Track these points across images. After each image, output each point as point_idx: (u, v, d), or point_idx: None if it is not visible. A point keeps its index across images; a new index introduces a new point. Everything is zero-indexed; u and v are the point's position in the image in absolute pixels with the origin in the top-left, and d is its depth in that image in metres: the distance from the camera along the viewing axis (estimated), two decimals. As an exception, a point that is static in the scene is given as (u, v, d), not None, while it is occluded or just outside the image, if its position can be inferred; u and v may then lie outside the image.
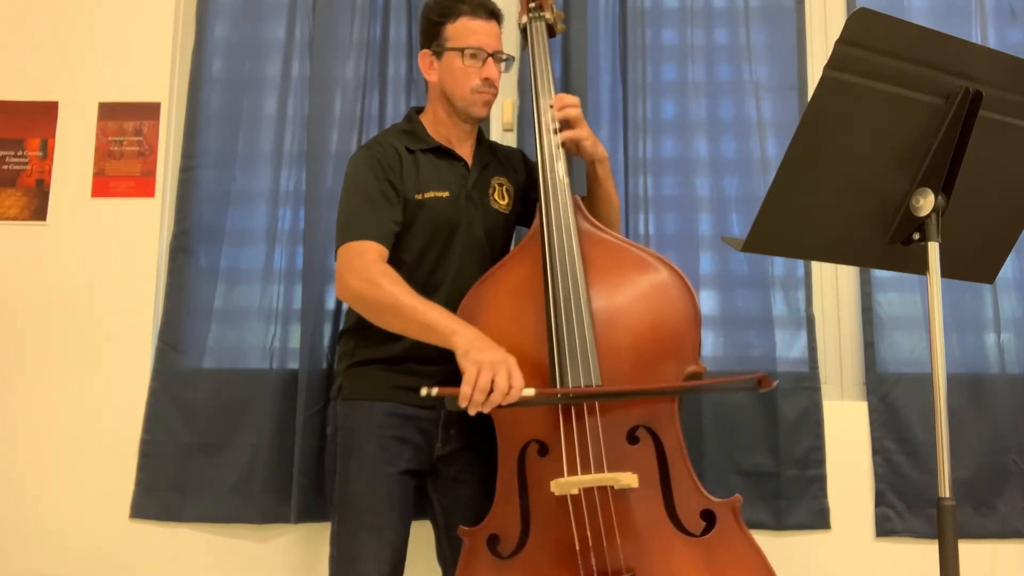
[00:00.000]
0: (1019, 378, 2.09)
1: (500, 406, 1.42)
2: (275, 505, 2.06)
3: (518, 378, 1.43)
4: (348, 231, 1.65)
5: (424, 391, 1.43)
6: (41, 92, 2.29)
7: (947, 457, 1.22)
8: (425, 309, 1.53)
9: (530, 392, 1.45)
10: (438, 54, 1.76)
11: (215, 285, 2.20)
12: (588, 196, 1.81)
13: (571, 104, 1.73)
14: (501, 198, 1.82)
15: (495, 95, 1.78)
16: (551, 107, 1.74)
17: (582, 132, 1.72)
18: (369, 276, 1.58)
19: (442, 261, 1.72)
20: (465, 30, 1.73)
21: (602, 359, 1.55)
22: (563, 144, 1.71)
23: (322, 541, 2.06)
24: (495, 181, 1.83)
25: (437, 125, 1.80)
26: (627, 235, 2.11)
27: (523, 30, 1.89)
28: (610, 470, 1.51)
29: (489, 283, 1.67)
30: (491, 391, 1.40)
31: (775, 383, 1.55)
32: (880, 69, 1.21)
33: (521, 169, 1.91)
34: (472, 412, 1.42)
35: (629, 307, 1.61)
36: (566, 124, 1.73)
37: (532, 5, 1.88)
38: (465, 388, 1.40)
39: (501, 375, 1.41)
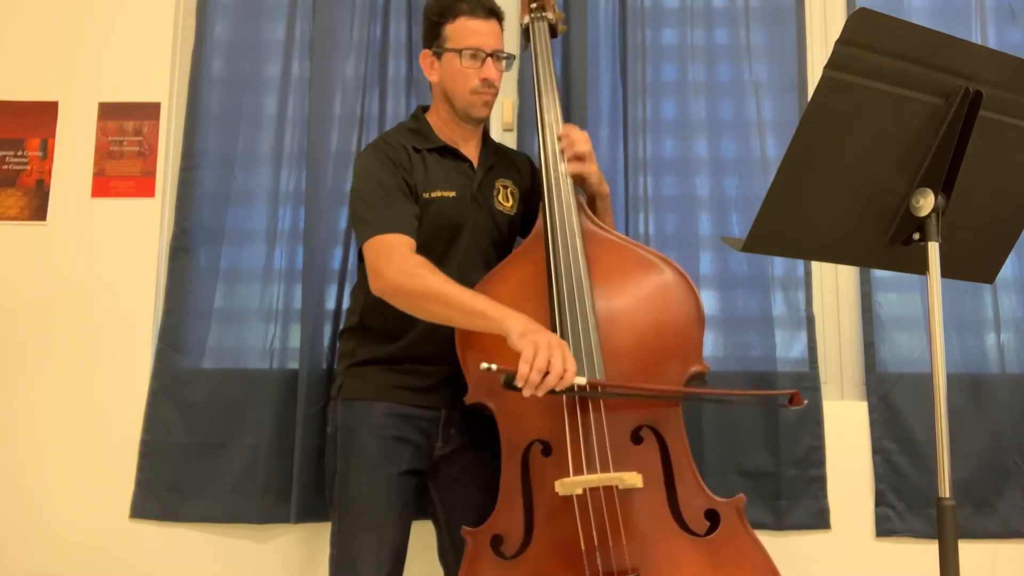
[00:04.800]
0: (1019, 378, 2.09)
1: (553, 391, 1.41)
2: (275, 505, 2.06)
3: (572, 362, 1.42)
4: (374, 225, 1.64)
5: (484, 365, 1.41)
6: (41, 92, 2.29)
7: (947, 457, 1.22)
8: (472, 297, 1.53)
9: (582, 380, 1.45)
10: (438, 54, 1.76)
11: (215, 285, 2.19)
12: None
13: (581, 140, 1.72)
14: (506, 200, 1.81)
15: (495, 95, 1.77)
16: (559, 139, 1.73)
17: (591, 167, 1.73)
18: (408, 268, 1.57)
19: (444, 260, 1.71)
20: (464, 30, 1.72)
21: (606, 359, 1.55)
22: (569, 175, 1.71)
23: (322, 541, 2.06)
24: (500, 183, 1.82)
25: (441, 125, 1.80)
26: (627, 235, 2.10)
27: (525, 30, 1.89)
28: (615, 470, 1.51)
29: (492, 282, 1.67)
30: (547, 373, 1.39)
31: (805, 402, 1.55)
32: (880, 69, 1.21)
33: (527, 175, 1.90)
34: (527, 394, 1.41)
35: (633, 307, 1.61)
36: (575, 157, 1.72)
37: (534, 5, 1.87)
38: (523, 367, 1.39)
39: (557, 356, 1.40)
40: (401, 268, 1.58)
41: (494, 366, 1.42)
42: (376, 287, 1.61)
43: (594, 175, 1.74)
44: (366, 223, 1.65)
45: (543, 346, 1.40)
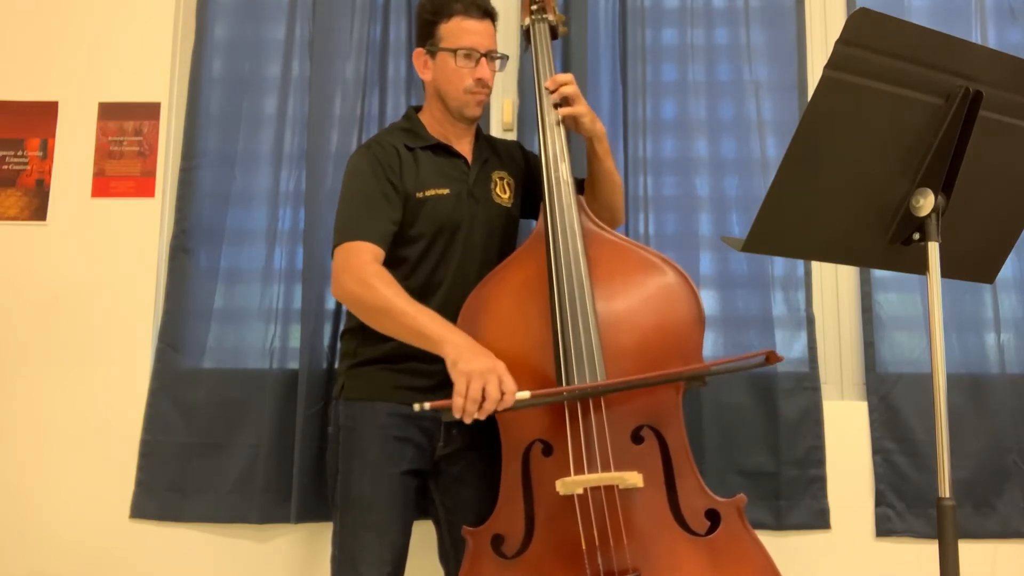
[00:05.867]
0: (1019, 378, 2.09)
1: (497, 411, 1.43)
2: (275, 505, 2.06)
3: (509, 383, 1.44)
4: (344, 232, 1.66)
5: (417, 407, 1.44)
6: (41, 92, 2.29)
7: (947, 457, 1.22)
8: (416, 314, 1.53)
9: (525, 395, 1.46)
10: (432, 53, 1.76)
11: (215, 285, 2.20)
12: (589, 175, 1.80)
13: (566, 82, 1.72)
14: (503, 192, 1.81)
15: (488, 95, 1.78)
16: (548, 89, 1.73)
17: (580, 108, 1.72)
18: (363, 278, 1.58)
19: (444, 259, 1.72)
20: (458, 30, 1.73)
21: (608, 360, 1.55)
22: (562, 121, 1.71)
23: (322, 541, 2.07)
24: (495, 175, 1.82)
25: (435, 123, 1.80)
26: (627, 235, 2.10)
27: (525, 32, 1.88)
28: (616, 469, 1.51)
29: (492, 284, 1.66)
30: (484, 399, 1.42)
31: (783, 357, 1.54)
32: (880, 69, 1.21)
33: (520, 160, 1.91)
34: (468, 421, 1.44)
35: (634, 308, 1.61)
36: (564, 102, 1.72)
37: (535, 7, 1.86)
38: (457, 400, 1.42)
39: (492, 383, 1.42)
40: (357, 277, 1.59)
41: (427, 405, 1.44)
42: (334, 292, 1.67)
43: (585, 115, 1.72)
44: (338, 228, 1.68)
45: (476, 375, 1.42)
